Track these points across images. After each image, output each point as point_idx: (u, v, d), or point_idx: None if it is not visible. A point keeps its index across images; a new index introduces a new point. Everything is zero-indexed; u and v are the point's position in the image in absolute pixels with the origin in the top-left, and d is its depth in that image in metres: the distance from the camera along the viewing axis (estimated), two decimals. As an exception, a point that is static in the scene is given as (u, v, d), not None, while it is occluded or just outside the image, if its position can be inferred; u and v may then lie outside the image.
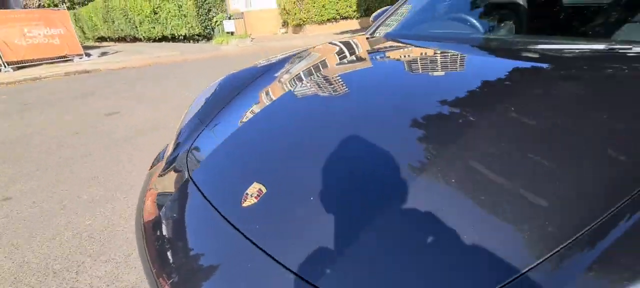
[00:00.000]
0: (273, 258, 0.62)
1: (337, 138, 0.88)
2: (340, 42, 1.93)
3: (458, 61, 1.36)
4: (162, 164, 1.18)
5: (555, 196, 0.59)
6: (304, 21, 16.72)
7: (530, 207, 0.58)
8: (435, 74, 1.26)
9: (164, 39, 15.19)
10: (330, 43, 1.92)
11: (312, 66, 1.53)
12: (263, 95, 1.31)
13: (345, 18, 18.15)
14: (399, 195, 0.64)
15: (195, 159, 1.05)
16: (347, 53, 1.66)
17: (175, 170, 1.07)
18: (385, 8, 2.37)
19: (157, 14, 14.64)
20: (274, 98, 1.26)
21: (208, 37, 15.14)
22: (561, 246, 0.50)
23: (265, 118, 1.14)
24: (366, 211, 0.65)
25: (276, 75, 1.47)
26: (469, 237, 0.54)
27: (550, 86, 0.97)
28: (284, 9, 17.33)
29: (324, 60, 1.59)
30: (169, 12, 14.44)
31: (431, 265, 0.53)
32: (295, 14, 16.59)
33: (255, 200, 0.75)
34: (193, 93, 5.22)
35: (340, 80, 1.33)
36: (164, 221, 0.87)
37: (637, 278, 0.42)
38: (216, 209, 0.80)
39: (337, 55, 1.63)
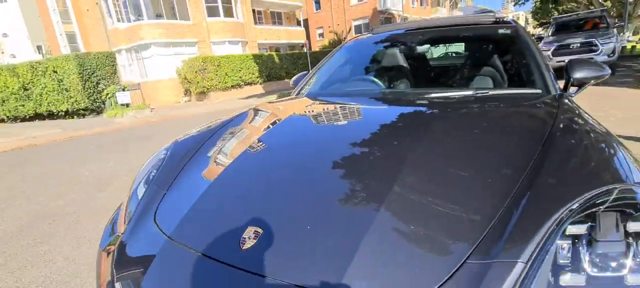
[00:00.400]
0: (285, 282, 0.74)
1: (296, 179, 1.12)
2: (273, 103, 2.17)
3: (373, 109, 1.76)
4: (118, 240, 1.13)
5: (456, 201, 0.85)
6: (208, 88, 16.74)
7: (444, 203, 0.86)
8: (358, 119, 1.62)
9: (37, 116, 13.08)
10: (264, 105, 2.13)
11: (257, 126, 1.71)
12: (220, 154, 1.41)
13: (249, 84, 18.89)
14: (360, 210, 0.88)
15: (168, 222, 1.07)
16: (282, 112, 1.90)
17: (143, 240, 1.06)
18: (304, 73, 2.75)
19: (28, 90, 12.68)
20: (234, 155, 1.37)
21: (97, 111, 13.68)
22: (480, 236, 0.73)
23: (232, 172, 1.24)
24: (335, 223, 0.86)
25: (225, 136, 1.58)
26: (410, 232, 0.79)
27: (439, 120, 1.39)
28: (185, 78, 17.13)
29: (268, 119, 1.79)
30: (45, 87, 12.70)
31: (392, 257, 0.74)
32: (198, 82, 16.54)
33: (255, 241, 0.85)
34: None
35: (285, 134, 1.55)
36: None
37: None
38: (216, 259, 0.85)
39: (277, 114, 1.85)
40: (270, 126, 1.67)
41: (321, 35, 37.36)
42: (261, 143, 1.44)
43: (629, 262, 0.64)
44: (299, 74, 2.76)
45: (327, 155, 1.23)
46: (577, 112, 1.32)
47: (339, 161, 1.17)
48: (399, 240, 0.79)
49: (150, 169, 1.45)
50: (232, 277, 0.81)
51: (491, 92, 1.73)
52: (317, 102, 2.00)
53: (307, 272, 0.74)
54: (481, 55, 2.28)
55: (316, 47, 33.16)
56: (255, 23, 24.56)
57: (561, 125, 1.14)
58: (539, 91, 1.63)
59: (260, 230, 0.88)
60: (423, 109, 1.66)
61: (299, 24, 30.50)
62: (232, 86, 17.86)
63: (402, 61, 2.32)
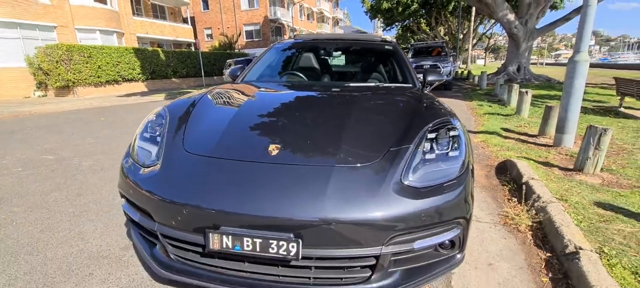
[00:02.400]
0: (303, 164, 1.34)
1: (289, 115, 1.86)
2: (222, 86, 2.60)
3: (306, 92, 2.43)
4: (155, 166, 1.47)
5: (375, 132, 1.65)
6: (74, 82, 14.23)
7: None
8: (304, 90, 2.35)
9: None
10: (219, 86, 2.56)
11: (233, 93, 2.33)
12: (220, 106, 2.03)
13: (129, 80, 16.90)
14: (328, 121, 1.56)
15: (200, 148, 1.49)
16: (245, 88, 2.47)
17: (182, 162, 1.45)
18: (238, 66, 3.19)
19: None
20: (233, 104, 2.05)
21: None
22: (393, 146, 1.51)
23: (243, 112, 1.86)
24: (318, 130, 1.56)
25: (212, 97, 2.12)
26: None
27: (359, 93, 2.18)
28: (40, 68, 14.12)
29: (241, 89, 2.45)
30: None
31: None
32: (60, 74, 13.90)
33: (278, 151, 1.42)
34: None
35: (265, 94, 2.33)
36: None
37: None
38: (252, 161, 1.38)
39: (242, 89, 2.45)
40: (246, 92, 2.28)
41: (210, 35, 35.94)
42: (253, 97, 2.13)
43: (448, 149, 1.48)
44: (234, 68, 3.19)
45: (301, 103, 2.04)
46: (430, 95, 2.28)
47: (311, 106, 2.00)
48: (358, 139, 1.52)
49: (150, 124, 1.75)
50: (267, 169, 1.34)
51: (385, 84, 2.64)
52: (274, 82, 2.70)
53: (311, 159, 1.40)
54: (375, 61, 3.22)
55: (205, 47, 31.71)
56: (134, 14, 22.01)
57: (424, 100, 2.05)
58: (410, 85, 2.60)
59: (278, 145, 1.44)
60: (345, 91, 2.41)
61: (185, 21, 28.68)
62: (107, 82, 15.65)
63: (318, 63, 3.07)
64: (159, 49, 18.97)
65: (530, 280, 1.74)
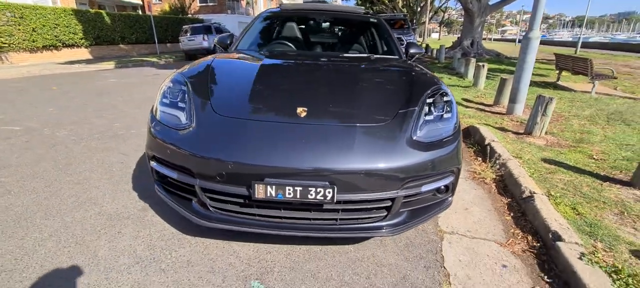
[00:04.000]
0: (330, 124, 1.56)
1: (307, 79, 2.07)
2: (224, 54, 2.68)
3: (309, 60, 2.59)
4: (188, 129, 1.61)
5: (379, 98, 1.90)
6: (3, 47, 12.57)
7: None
8: (305, 61, 2.51)
9: None
10: (222, 54, 2.64)
11: (243, 58, 2.50)
12: (237, 71, 2.23)
13: (71, 46, 15.29)
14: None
15: (231, 111, 1.65)
16: (248, 57, 2.60)
17: (216, 125, 1.60)
18: (227, 34, 3.21)
19: None
20: (251, 69, 2.19)
21: None
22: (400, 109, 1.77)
23: (263, 76, 2.04)
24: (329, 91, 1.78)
25: (227, 63, 2.34)
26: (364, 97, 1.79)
27: (349, 66, 2.42)
28: (-40, 29, 12.23)
29: (245, 57, 2.57)
30: None
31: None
32: (-14, 36, 12.17)
33: (306, 113, 1.61)
34: None
35: (275, 59, 2.53)
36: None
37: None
38: (284, 122, 1.57)
39: (246, 56, 2.60)
40: (252, 61, 2.42)
41: (158, -3, 32.98)
42: (261, 65, 2.28)
43: (443, 111, 1.78)
44: (222, 35, 3.20)
45: (308, 70, 2.27)
46: (419, 66, 2.57)
47: (318, 73, 2.23)
48: (369, 102, 1.78)
49: (169, 91, 1.83)
50: (299, 128, 1.55)
51: (378, 56, 2.88)
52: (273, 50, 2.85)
53: (335, 120, 1.62)
54: (362, 32, 3.42)
55: (153, 11, 29.15)
56: (69, -31, 19.51)
57: (416, 69, 2.33)
58: (397, 56, 2.86)
59: (305, 108, 1.62)
60: (344, 60, 2.61)
61: (130, -20, 26.03)
62: (44, 47, 14.03)
63: (309, 33, 3.20)
64: (102, 11, 17.20)
65: (497, 218, 2.17)
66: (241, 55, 2.61)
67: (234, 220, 1.59)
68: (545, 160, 2.96)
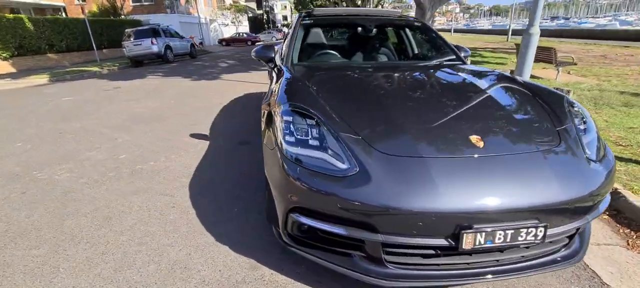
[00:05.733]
0: (509, 153, 1.42)
1: (430, 101, 1.92)
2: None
3: (396, 73, 2.44)
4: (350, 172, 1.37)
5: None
6: None
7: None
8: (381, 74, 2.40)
9: None
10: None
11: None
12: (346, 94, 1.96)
13: (-14, 58, 12.88)
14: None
15: (397, 150, 1.44)
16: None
17: (383, 163, 1.38)
18: (263, 44, 2.87)
19: None
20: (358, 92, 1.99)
21: None
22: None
23: (388, 106, 1.78)
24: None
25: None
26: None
27: (430, 72, 2.36)
28: None
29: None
30: None
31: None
32: None
33: (483, 143, 1.45)
34: None
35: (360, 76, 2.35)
36: None
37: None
38: (466, 157, 1.39)
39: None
40: (347, 79, 2.28)
41: (83, -2, 29.30)
42: (365, 83, 2.18)
43: (580, 123, 1.73)
44: (261, 48, 2.86)
45: (411, 86, 2.19)
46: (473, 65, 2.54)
47: (423, 90, 2.10)
48: (513, 121, 1.67)
49: (287, 130, 1.53)
50: (485, 161, 1.39)
51: (435, 61, 2.77)
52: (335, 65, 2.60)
53: (510, 147, 1.47)
54: (405, 37, 3.30)
55: (78, 13, 25.81)
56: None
57: (502, 73, 2.31)
58: (453, 56, 2.80)
59: (479, 136, 1.45)
60: (413, 71, 2.47)
61: (47, -21, 22.74)
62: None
63: (359, 41, 3.00)
64: (22, 16, 14.75)
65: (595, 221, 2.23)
66: (321, 72, 2.35)
67: (418, 274, 1.38)
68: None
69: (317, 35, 3.11)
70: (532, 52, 4.68)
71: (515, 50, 8.91)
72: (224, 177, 2.81)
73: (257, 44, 33.98)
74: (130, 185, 2.73)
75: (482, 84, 2.16)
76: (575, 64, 7.66)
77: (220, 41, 35.55)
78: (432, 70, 2.47)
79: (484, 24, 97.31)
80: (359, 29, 3.16)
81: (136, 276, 1.69)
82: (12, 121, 5.19)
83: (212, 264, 1.77)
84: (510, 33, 23.88)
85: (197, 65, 14.32)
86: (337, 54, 2.91)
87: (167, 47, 15.80)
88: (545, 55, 7.71)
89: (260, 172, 2.80)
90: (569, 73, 8.26)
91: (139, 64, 15.42)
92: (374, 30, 3.20)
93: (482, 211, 1.25)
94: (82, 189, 2.68)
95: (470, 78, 2.27)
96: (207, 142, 3.76)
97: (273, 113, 1.77)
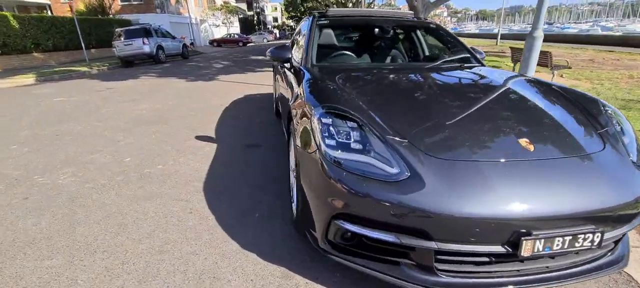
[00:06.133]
0: (559, 157, 1.38)
1: (463, 103, 1.83)
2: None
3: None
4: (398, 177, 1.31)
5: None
6: None
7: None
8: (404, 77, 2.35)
9: None
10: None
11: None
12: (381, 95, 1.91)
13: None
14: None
15: (446, 153, 1.38)
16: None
17: (434, 167, 1.33)
18: (279, 44, 2.79)
19: None
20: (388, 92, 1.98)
21: None
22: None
23: (427, 105, 1.77)
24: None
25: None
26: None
27: (454, 74, 2.35)
28: None
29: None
30: None
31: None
32: None
33: (533, 146, 1.42)
34: None
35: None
36: None
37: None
38: (519, 160, 1.35)
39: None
40: (373, 79, 2.24)
41: (69, -4, 28.54)
42: (391, 84, 2.18)
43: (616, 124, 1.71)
44: (277, 49, 2.79)
45: (448, 88, 2.17)
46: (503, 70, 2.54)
47: (462, 92, 2.08)
48: (556, 124, 1.62)
49: (326, 133, 1.47)
50: (538, 165, 1.34)
51: (456, 63, 2.75)
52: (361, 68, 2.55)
53: (559, 151, 1.43)
54: (420, 39, 3.28)
55: (63, 11, 25.08)
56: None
57: (505, 72, 2.34)
58: (471, 58, 2.79)
59: (527, 139, 1.42)
60: (440, 72, 2.45)
61: (32, -24, 22.06)
62: None
63: (377, 42, 2.96)
64: (7, 14, 14.24)
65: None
66: (345, 73, 2.29)
67: (470, 282, 1.33)
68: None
69: (332, 36, 3.05)
70: (535, 55, 4.74)
71: (506, 54, 9.04)
72: (238, 182, 2.72)
73: (248, 44, 33.78)
74: (141, 189, 2.61)
75: (517, 86, 2.13)
76: (570, 67, 7.81)
77: (212, 42, 35.17)
78: (459, 72, 2.45)
79: (472, 27, 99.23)
80: (376, 30, 3.12)
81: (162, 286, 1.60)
82: (3, 122, 4.96)
83: (242, 274, 1.69)
84: (498, 37, 24.32)
85: (191, 66, 14.08)
86: (353, 55, 2.87)
87: (159, 47, 15.50)
88: (540, 59, 7.84)
89: (278, 177, 2.75)
90: (562, 76, 8.43)
91: (130, 65, 15.08)
92: (391, 31, 3.16)
93: (543, 217, 1.21)
94: (90, 194, 2.55)
95: (501, 80, 2.24)
96: (214, 145, 3.66)
97: (306, 116, 1.71)
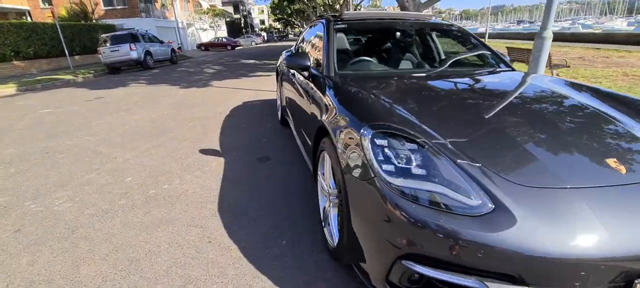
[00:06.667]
0: None
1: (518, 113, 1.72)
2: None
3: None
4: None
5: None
6: None
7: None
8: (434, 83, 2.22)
9: None
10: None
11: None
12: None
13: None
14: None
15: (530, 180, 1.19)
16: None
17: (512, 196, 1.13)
18: (298, 52, 2.58)
19: None
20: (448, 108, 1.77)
21: None
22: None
23: (492, 123, 1.55)
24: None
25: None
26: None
27: (485, 79, 2.25)
28: None
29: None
30: None
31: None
32: None
33: (623, 167, 1.25)
34: None
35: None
36: None
37: None
38: (613, 185, 1.17)
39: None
40: (418, 90, 2.06)
41: (49, 0, 27.60)
42: (434, 85, 2.11)
43: None
44: (293, 56, 2.60)
45: (495, 99, 1.92)
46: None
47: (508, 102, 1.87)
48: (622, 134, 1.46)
49: (381, 155, 1.28)
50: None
51: (488, 68, 2.62)
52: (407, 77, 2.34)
53: None
54: (437, 42, 3.12)
55: (44, 17, 24.19)
56: None
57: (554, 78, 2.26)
58: (502, 63, 2.66)
59: (615, 159, 1.25)
60: (483, 81, 2.30)
61: (10, -19, 21.19)
62: None
63: (401, 46, 2.79)
64: (-16, 21, 13.57)
65: None
66: (379, 83, 2.10)
67: None
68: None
69: (348, 41, 2.86)
70: (545, 56, 4.65)
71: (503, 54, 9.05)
72: (255, 202, 2.49)
73: (237, 48, 33.29)
74: (149, 215, 2.36)
75: (575, 95, 1.95)
76: (569, 66, 7.83)
77: (199, 46, 34.54)
78: (503, 79, 2.28)
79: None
80: (398, 33, 2.94)
81: (192, 341, 1.37)
82: (-15, 139, 4.59)
83: (282, 317, 1.47)
84: (487, 36, 24.59)
85: (181, 71, 13.68)
86: (375, 60, 2.68)
87: (147, 52, 15.03)
88: (539, 59, 7.85)
89: (295, 193, 2.53)
90: (558, 75, 8.47)
91: (117, 71, 14.57)
92: (413, 34, 2.99)
93: None
94: (91, 223, 2.28)
95: (555, 89, 2.06)
96: (221, 159, 3.41)
97: (350, 136, 1.50)
